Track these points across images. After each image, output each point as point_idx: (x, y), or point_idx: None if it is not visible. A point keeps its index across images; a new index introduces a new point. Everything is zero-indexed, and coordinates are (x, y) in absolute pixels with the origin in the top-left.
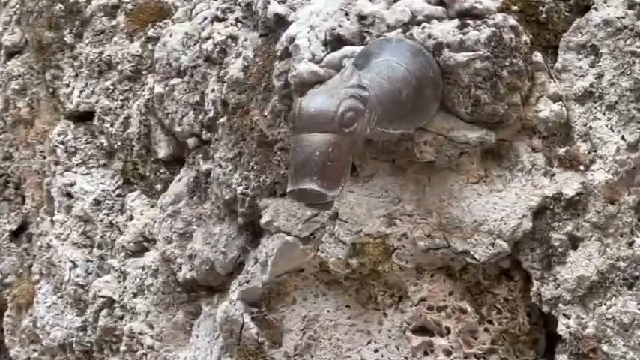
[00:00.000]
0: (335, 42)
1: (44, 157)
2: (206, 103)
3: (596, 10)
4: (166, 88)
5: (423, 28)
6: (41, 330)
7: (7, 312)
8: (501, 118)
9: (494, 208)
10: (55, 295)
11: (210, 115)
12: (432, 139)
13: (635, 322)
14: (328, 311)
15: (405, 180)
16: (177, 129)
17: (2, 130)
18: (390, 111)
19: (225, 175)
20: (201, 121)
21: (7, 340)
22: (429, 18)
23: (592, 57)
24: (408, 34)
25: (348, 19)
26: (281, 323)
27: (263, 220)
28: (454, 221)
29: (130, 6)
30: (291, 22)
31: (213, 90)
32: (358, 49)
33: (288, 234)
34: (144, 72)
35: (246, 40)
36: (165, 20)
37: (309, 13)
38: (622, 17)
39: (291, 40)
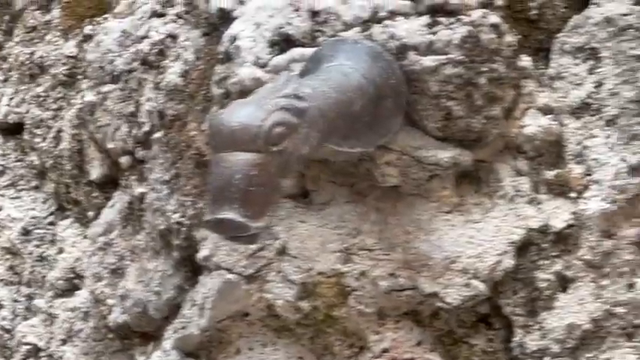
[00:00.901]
0: (283, 43)
1: None
2: (141, 115)
3: (596, 5)
4: (98, 96)
5: (385, 26)
6: None
7: None
8: (478, 134)
9: (470, 243)
10: None
11: (146, 128)
12: (395, 159)
13: None
14: None
15: (365, 208)
16: (110, 145)
17: None
18: (341, 126)
19: (160, 200)
20: (135, 135)
21: None
22: (393, 14)
23: (591, 62)
24: (367, 33)
25: (299, 16)
26: None
27: (201, 255)
28: (422, 258)
29: None
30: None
31: (149, 99)
32: (309, 51)
33: (230, 271)
34: (79, 77)
35: (187, 39)
36: (106, 15)
37: (256, 8)
38: (627, 15)
39: (233, 40)
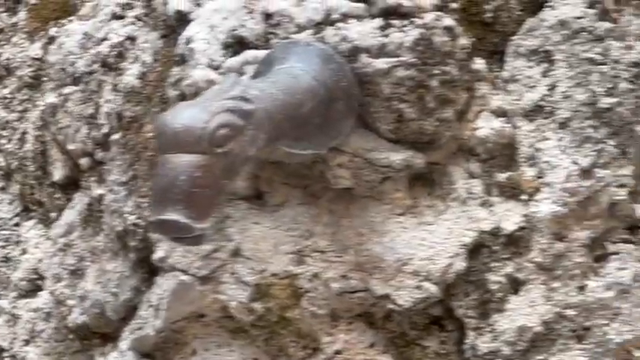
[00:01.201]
0: (236, 45)
1: None
2: (100, 117)
3: (551, 8)
4: (60, 97)
5: (338, 28)
6: None
7: None
8: (431, 137)
9: (422, 245)
10: None
11: (105, 130)
12: (347, 161)
13: None
14: None
15: (319, 210)
16: (71, 146)
17: None
18: (290, 128)
19: (117, 202)
20: (94, 137)
21: None
22: (346, 17)
23: (545, 64)
24: (319, 36)
25: (252, 18)
26: None
27: (156, 256)
28: (374, 260)
29: (33, 0)
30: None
31: (108, 101)
32: (262, 53)
33: (185, 272)
34: (45, 79)
35: (145, 41)
36: (71, 17)
37: (212, 10)
38: (580, 17)
39: (188, 42)
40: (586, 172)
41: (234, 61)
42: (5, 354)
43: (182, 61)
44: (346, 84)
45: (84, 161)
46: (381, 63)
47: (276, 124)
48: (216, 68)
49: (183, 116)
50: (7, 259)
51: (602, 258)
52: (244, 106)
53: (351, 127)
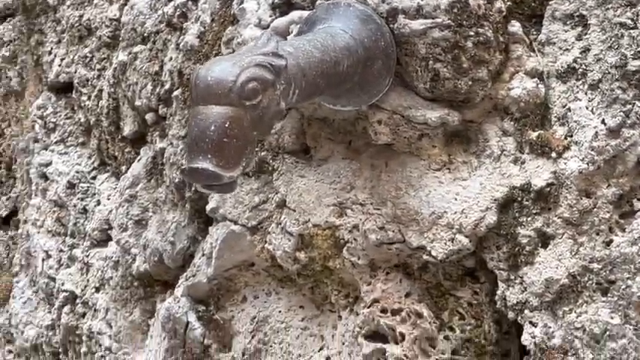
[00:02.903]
0: (284, 5)
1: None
2: (164, 74)
3: None
4: (130, 56)
5: None
6: (15, 328)
7: None
8: (465, 95)
9: (456, 199)
10: (30, 290)
11: (167, 87)
12: (387, 118)
13: (608, 332)
14: (280, 312)
15: (360, 164)
16: (138, 102)
17: None
18: (328, 85)
19: (176, 154)
20: (158, 93)
21: None
22: None
23: (579, 28)
24: None
25: None
26: (230, 324)
27: (209, 207)
28: (410, 213)
29: None
30: None
31: (171, 59)
32: (307, 13)
33: (235, 223)
34: (120, 39)
35: (205, 2)
36: None
37: None
38: None
39: (241, 2)
40: (614, 132)
41: (281, 21)
42: (78, 300)
43: (235, 21)
44: (384, 44)
45: (149, 116)
46: (418, 24)
47: (310, 80)
48: (264, 28)
49: (216, 70)
50: (84, 211)
51: (627, 214)
52: (275, 62)
53: (389, 85)
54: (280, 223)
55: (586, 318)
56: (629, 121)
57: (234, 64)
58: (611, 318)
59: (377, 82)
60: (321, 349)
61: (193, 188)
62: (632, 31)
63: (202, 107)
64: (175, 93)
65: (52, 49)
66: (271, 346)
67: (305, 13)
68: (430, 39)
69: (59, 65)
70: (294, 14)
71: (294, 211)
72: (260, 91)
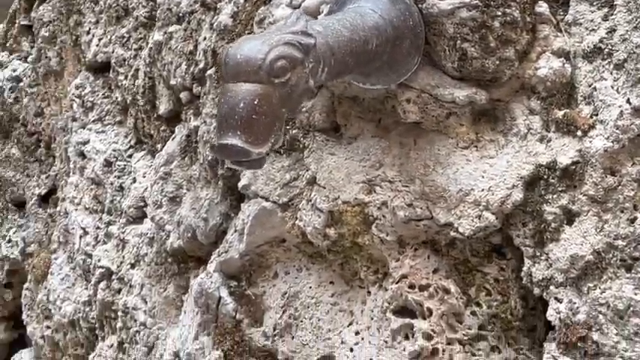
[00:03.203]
0: None
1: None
2: (198, 53)
3: None
4: (165, 36)
5: None
6: (53, 305)
7: (26, 285)
8: (493, 74)
9: (483, 177)
10: (68, 266)
11: (201, 66)
12: (415, 96)
13: (632, 308)
14: (310, 287)
15: (389, 142)
16: (173, 81)
17: (35, 83)
18: (357, 63)
19: (209, 132)
20: (192, 72)
21: (24, 316)
22: None
23: (606, 9)
24: None
25: None
26: (261, 299)
27: (241, 184)
28: (438, 190)
29: None
30: None
31: (205, 38)
32: None
33: (266, 199)
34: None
35: None
36: None
37: None
38: None
39: None
40: (638, 111)
41: (311, 1)
42: (114, 276)
43: (267, 1)
44: (413, 23)
45: (184, 95)
46: (446, 4)
47: (338, 59)
48: (295, 7)
49: (245, 48)
50: (121, 188)
51: None
52: (304, 40)
53: (418, 64)
54: (310, 200)
55: (610, 294)
56: None
57: (263, 43)
58: (635, 294)
59: (405, 61)
60: (350, 324)
61: (226, 165)
62: None
63: (232, 85)
64: (209, 72)
65: (90, 29)
66: (302, 321)
67: None
68: (458, 19)
69: (97, 45)
70: None
71: (324, 188)
72: (289, 69)
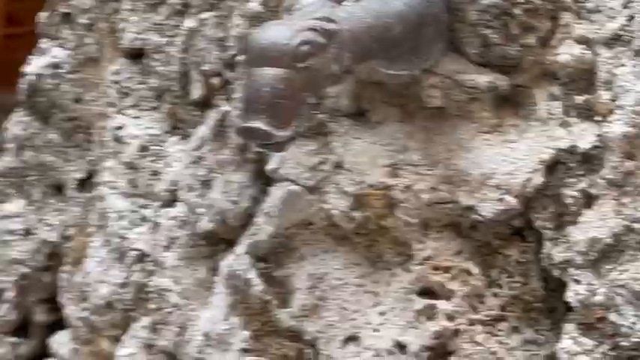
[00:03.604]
0: None
1: None
2: (229, 40)
3: None
4: (198, 22)
5: None
6: (90, 287)
7: (64, 267)
8: (515, 61)
9: (505, 161)
10: (104, 249)
11: (232, 52)
12: (439, 81)
13: None
14: (336, 269)
15: (414, 127)
16: (205, 67)
17: (74, 69)
18: (381, 49)
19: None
20: (223, 58)
21: (61, 299)
22: None
23: None
24: None
25: None
26: (289, 281)
27: (269, 167)
28: (461, 173)
29: None
30: None
31: (236, 25)
32: None
33: (294, 182)
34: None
35: None
36: None
37: None
38: None
39: None
40: None
41: None
42: (147, 258)
43: None
44: (436, 10)
45: (215, 80)
46: None
47: (362, 45)
48: None
49: (270, 33)
50: (155, 173)
51: None
52: (327, 26)
53: (441, 50)
54: (337, 184)
55: (628, 276)
56: None
57: (287, 28)
58: None
59: (429, 48)
60: (375, 305)
61: (254, 149)
62: None
63: (256, 69)
64: (239, 57)
65: (126, 16)
66: (328, 303)
67: None
68: (480, 6)
69: (133, 32)
70: None
71: (350, 171)
72: (312, 54)
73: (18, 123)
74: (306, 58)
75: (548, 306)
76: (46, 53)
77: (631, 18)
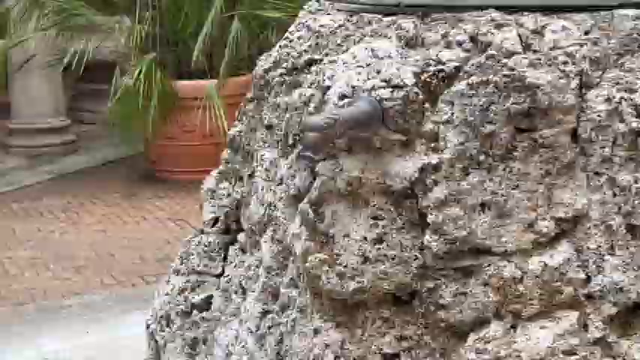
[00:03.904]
0: None
1: None
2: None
3: None
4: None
5: None
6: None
7: None
8: None
9: None
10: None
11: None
12: None
13: None
14: None
15: None
16: None
17: None
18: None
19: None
20: None
21: None
22: None
23: None
24: None
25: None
26: None
27: None
28: None
29: None
30: None
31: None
32: None
33: None
34: None
35: None
36: None
37: None
38: None
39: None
40: None
41: None
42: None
43: None
44: None
45: None
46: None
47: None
48: None
49: (311, 118)
50: None
51: None
52: (334, 117)
53: None
54: None
55: None
56: None
57: (317, 117)
58: None
59: None
60: None
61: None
62: None
63: (307, 133)
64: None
65: None
66: None
67: None
68: None
69: None
70: None
71: None
72: (327, 128)
73: None
74: (323, 129)
75: None
76: None
77: None
